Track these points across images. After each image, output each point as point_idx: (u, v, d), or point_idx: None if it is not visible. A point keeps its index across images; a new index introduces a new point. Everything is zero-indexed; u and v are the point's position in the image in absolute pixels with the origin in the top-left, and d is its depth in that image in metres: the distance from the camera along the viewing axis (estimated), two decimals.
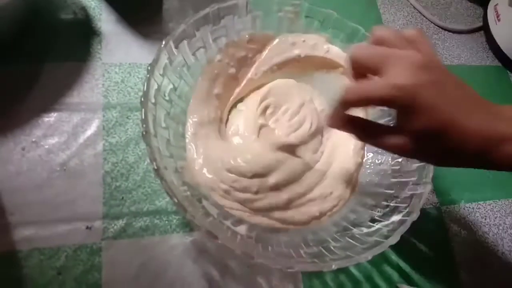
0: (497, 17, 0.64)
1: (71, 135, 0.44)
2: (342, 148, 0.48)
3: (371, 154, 0.47)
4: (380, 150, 0.46)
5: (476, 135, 0.28)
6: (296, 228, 0.42)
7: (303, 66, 0.49)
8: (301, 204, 0.44)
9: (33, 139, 0.43)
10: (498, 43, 0.64)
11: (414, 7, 0.67)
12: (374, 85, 0.28)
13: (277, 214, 0.42)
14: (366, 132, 0.33)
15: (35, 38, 0.47)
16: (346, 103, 0.30)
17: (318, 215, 0.43)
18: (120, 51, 0.49)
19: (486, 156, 0.29)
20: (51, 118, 0.44)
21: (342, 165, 0.46)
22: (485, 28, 0.67)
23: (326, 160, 0.47)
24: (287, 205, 0.43)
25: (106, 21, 0.50)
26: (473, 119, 0.28)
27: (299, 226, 0.43)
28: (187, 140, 0.43)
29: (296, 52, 0.48)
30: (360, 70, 0.30)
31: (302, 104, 0.48)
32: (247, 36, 0.47)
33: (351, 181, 0.46)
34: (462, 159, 0.30)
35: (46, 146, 0.43)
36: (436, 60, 0.30)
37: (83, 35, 0.49)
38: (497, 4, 0.65)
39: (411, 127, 0.29)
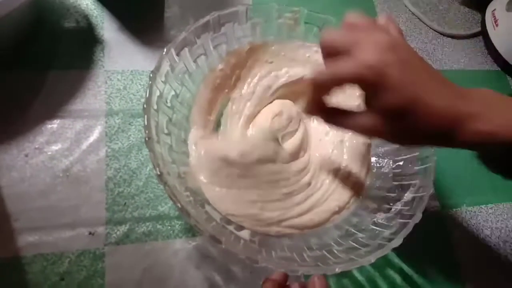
0: (495, 22, 0.64)
1: (74, 142, 0.44)
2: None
3: (373, 159, 0.48)
4: (381, 154, 0.47)
5: (441, 113, 0.29)
6: (312, 230, 0.43)
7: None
8: (321, 203, 0.44)
9: (36, 146, 0.43)
10: (497, 48, 0.65)
11: (412, 13, 0.67)
12: (343, 64, 0.29)
13: (296, 221, 0.42)
14: (334, 116, 0.34)
15: (38, 46, 0.48)
16: (318, 84, 0.31)
17: (338, 209, 0.44)
18: (122, 59, 0.50)
19: (450, 134, 0.30)
20: (54, 125, 0.44)
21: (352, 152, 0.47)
22: (483, 33, 0.68)
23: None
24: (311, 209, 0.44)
25: (108, 29, 0.51)
26: (439, 98, 0.29)
27: (317, 227, 0.43)
28: (190, 148, 0.43)
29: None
30: (331, 54, 0.31)
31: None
32: (247, 45, 0.47)
33: (365, 164, 0.47)
34: (429, 138, 0.32)
35: (49, 153, 0.43)
36: (403, 43, 0.31)
37: (86, 43, 0.50)
38: (494, 10, 0.65)
39: (378, 106, 0.30)
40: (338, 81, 0.30)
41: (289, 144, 0.47)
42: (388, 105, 0.29)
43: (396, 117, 0.30)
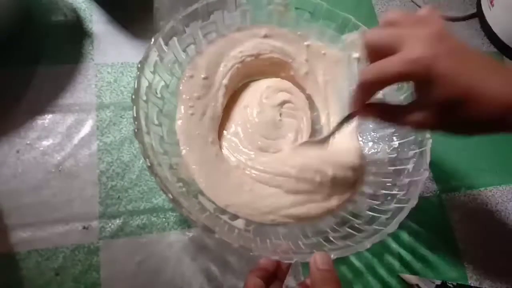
0: (491, 2, 0.63)
1: (65, 136, 0.44)
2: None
3: (369, 144, 0.47)
4: (376, 140, 0.46)
5: (495, 101, 0.28)
6: (306, 222, 0.42)
7: None
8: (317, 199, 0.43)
9: (28, 142, 0.43)
10: (493, 29, 0.63)
11: None
12: (388, 62, 0.28)
13: (293, 210, 0.41)
14: (386, 114, 0.33)
15: (27, 41, 0.47)
16: (364, 84, 0.31)
17: (336, 207, 0.42)
18: (112, 51, 0.49)
19: (505, 121, 0.29)
20: (45, 120, 0.44)
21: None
22: (479, 14, 0.67)
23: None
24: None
25: (97, 22, 0.51)
26: (491, 85, 0.28)
27: (311, 220, 0.42)
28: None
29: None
30: (376, 54, 0.30)
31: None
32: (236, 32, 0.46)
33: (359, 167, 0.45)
34: (482, 126, 0.30)
35: (41, 148, 0.43)
36: (450, 33, 0.29)
37: (75, 37, 0.49)
38: None
39: (430, 99, 0.29)
40: (386, 80, 0.29)
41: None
42: (439, 98, 0.28)
43: (449, 109, 0.29)
